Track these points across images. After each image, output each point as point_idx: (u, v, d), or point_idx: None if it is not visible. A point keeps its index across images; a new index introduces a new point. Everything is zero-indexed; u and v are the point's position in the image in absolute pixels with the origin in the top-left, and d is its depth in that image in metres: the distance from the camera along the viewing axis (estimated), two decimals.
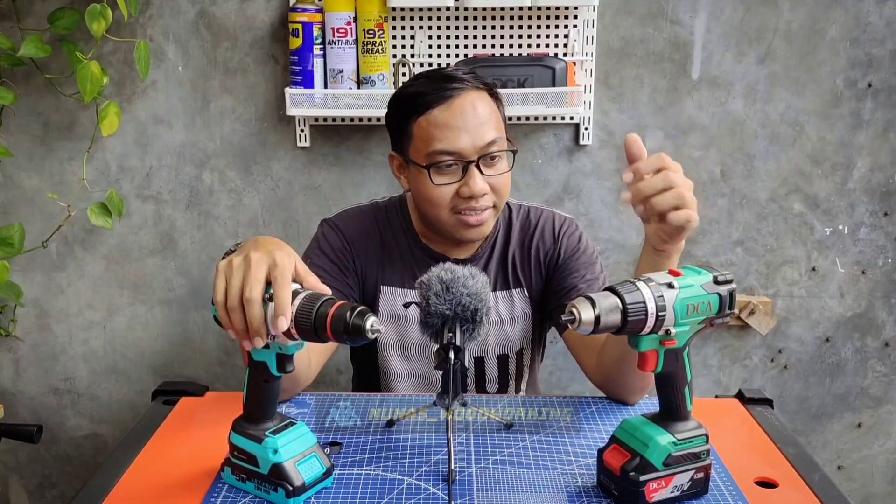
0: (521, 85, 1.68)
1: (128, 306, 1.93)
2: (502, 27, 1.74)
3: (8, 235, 1.75)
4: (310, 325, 0.85)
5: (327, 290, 0.90)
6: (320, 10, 1.69)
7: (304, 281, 0.90)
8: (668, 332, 0.87)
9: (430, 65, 1.74)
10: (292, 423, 0.95)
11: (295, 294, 0.87)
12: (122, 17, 1.70)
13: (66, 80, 1.73)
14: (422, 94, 1.24)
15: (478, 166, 1.22)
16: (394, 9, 1.70)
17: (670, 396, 0.92)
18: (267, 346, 0.90)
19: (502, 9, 1.71)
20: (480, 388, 1.39)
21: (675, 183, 0.99)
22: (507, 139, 1.29)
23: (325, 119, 1.80)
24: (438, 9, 1.71)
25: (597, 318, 0.83)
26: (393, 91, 1.68)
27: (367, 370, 1.41)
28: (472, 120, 1.22)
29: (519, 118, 1.79)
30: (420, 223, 1.36)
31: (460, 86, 1.24)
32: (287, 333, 0.87)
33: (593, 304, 0.83)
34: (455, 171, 1.23)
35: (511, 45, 1.75)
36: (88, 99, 1.63)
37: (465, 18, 1.73)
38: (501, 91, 1.33)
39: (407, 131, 1.26)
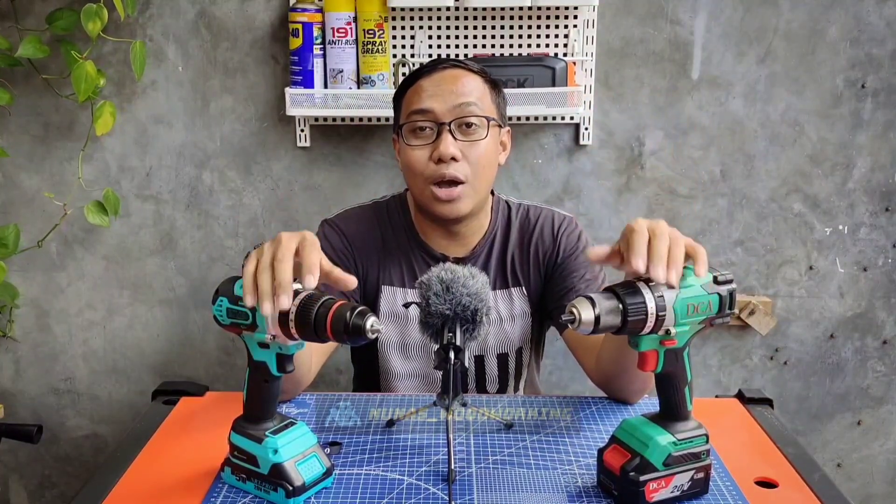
0: (521, 85, 1.68)
1: (128, 306, 1.93)
2: (502, 27, 1.74)
3: (2, 236, 1.75)
4: (310, 324, 0.85)
5: (353, 281, 0.90)
6: (320, 10, 1.69)
7: (331, 273, 0.90)
8: (668, 332, 0.87)
9: None
10: (292, 423, 0.95)
11: (295, 294, 0.87)
12: (122, 18, 1.71)
13: (64, 80, 1.73)
14: (416, 72, 1.31)
15: (450, 130, 1.25)
16: (394, 9, 1.70)
17: (670, 396, 0.92)
18: (266, 346, 0.90)
19: (502, 9, 1.71)
20: (480, 387, 1.39)
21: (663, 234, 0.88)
22: (497, 123, 1.30)
23: (325, 119, 1.80)
24: (438, 9, 1.71)
25: (597, 319, 0.83)
26: (393, 91, 1.69)
27: (368, 370, 1.41)
28: (449, 86, 1.26)
29: (519, 118, 1.79)
30: (418, 217, 1.36)
31: (452, 63, 1.30)
32: (287, 333, 0.87)
33: (593, 304, 0.83)
34: (429, 136, 1.27)
35: (511, 45, 1.75)
36: (83, 98, 1.63)
37: (465, 18, 1.73)
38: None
39: (398, 106, 1.33)
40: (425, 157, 1.26)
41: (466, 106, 1.25)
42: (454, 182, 1.26)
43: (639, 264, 0.85)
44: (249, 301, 0.87)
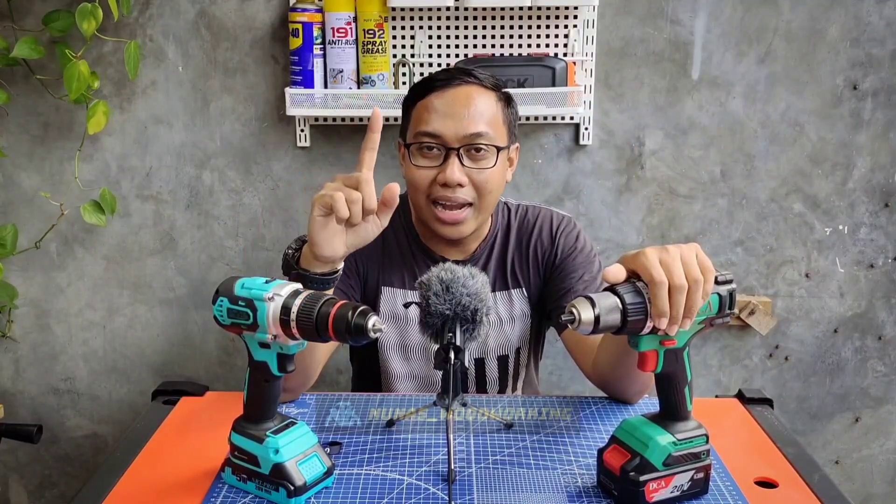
0: (521, 85, 1.68)
1: (128, 306, 1.93)
2: (502, 27, 1.74)
3: (0, 236, 1.75)
4: (311, 324, 0.85)
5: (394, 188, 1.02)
6: (320, 10, 1.69)
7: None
8: (667, 332, 0.87)
9: (430, 65, 1.74)
10: (293, 423, 0.95)
11: (296, 294, 0.87)
12: (122, 17, 1.71)
13: (61, 80, 1.73)
14: (427, 81, 1.28)
15: (458, 155, 1.23)
16: (394, 9, 1.70)
17: (670, 396, 0.92)
18: (267, 346, 0.90)
19: (502, 9, 1.71)
20: (481, 389, 1.39)
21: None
22: (507, 147, 1.29)
23: (325, 119, 1.80)
24: (438, 9, 1.71)
25: (596, 318, 0.83)
26: (393, 91, 1.69)
27: (368, 370, 1.41)
28: (461, 109, 1.23)
29: (519, 118, 1.79)
30: (418, 220, 1.36)
31: (465, 79, 1.26)
32: (288, 333, 0.87)
33: (593, 304, 0.83)
34: (436, 157, 1.25)
35: (511, 45, 1.75)
36: (74, 97, 1.63)
37: (465, 18, 1.73)
38: None
39: (407, 115, 1.30)
40: (430, 177, 1.25)
41: (477, 136, 1.23)
42: (458, 204, 1.25)
43: (663, 324, 0.85)
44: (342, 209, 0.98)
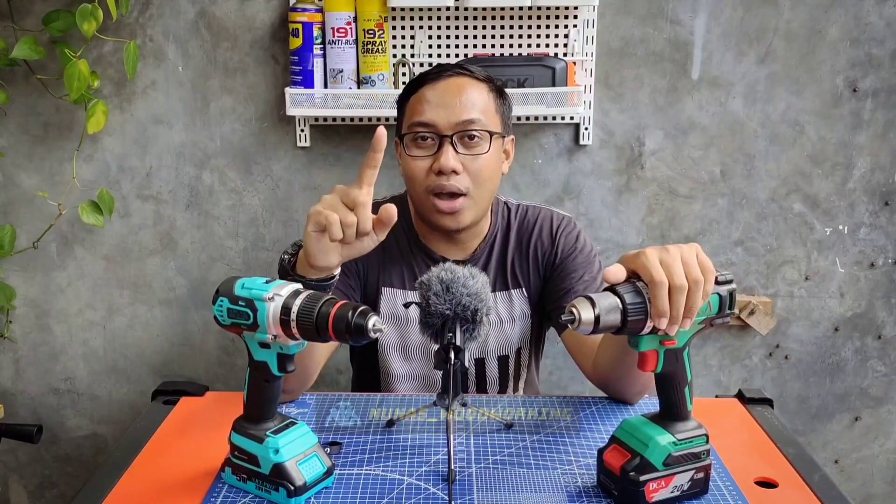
0: (521, 85, 1.68)
1: (128, 306, 1.93)
2: (502, 27, 1.74)
3: None
4: (312, 324, 0.85)
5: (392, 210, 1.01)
6: (320, 10, 1.69)
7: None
8: (667, 332, 0.87)
9: (430, 65, 1.74)
10: (293, 423, 0.95)
11: (296, 294, 0.88)
12: (122, 17, 1.71)
13: (61, 81, 1.73)
14: (419, 77, 1.29)
15: (452, 143, 1.24)
16: (394, 9, 1.70)
17: (670, 396, 0.92)
18: (267, 346, 0.90)
19: (502, 9, 1.71)
20: (481, 389, 1.39)
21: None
22: (501, 134, 1.29)
23: (325, 119, 1.80)
24: (438, 9, 1.71)
25: (597, 318, 0.83)
26: (393, 91, 1.69)
27: (368, 370, 1.41)
28: (453, 98, 1.25)
29: (519, 118, 1.79)
30: (418, 220, 1.36)
31: (457, 71, 1.28)
32: (288, 333, 0.87)
33: (593, 304, 0.83)
34: (431, 146, 1.26)
35: (511, 45, 1.75)
36: (75, 96, 1.63)
37: (465, 18, 1.73)
38: None
39: (402, 111, 1.32)
40: (426, 167, 1.26)
41: (469, 123, 1.24)
42: (455, 194, 1.25)
43: (663, 324, 0.85)
44: (335, 229, 0.98)
